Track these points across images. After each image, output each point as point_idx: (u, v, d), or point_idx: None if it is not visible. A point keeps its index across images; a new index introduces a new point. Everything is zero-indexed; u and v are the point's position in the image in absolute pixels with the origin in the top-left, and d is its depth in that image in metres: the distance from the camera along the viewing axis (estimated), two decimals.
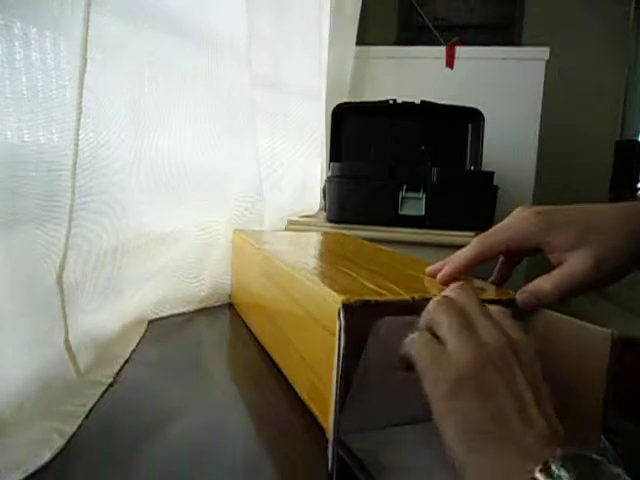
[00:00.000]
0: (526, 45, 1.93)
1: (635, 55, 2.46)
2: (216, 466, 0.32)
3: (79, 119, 0.36)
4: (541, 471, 0.22)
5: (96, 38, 0.38)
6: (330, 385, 0.30)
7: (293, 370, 0.41)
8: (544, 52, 1.29)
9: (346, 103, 1.08)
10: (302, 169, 0.97)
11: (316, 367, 0.35)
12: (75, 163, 0.36)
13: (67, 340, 0.37)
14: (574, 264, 0.34)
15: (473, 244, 0.38)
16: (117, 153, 0.47)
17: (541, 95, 1.30)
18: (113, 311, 0.48)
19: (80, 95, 0.36)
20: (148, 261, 0.54)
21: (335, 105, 1.03)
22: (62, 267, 0.36)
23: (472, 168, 1.01)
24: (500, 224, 0.37)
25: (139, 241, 0.52)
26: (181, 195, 0.58)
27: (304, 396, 0.37)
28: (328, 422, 0.31)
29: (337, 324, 0.29)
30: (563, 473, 0.21)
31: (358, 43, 1.30)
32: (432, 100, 0.99)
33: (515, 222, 0.37)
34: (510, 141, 1.29)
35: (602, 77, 2.04)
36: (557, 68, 1.39)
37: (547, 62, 1.29)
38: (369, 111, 1.06)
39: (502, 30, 2.07)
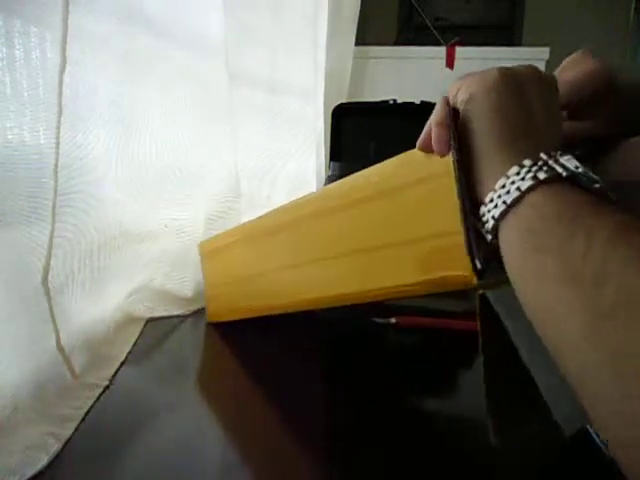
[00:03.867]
0: (526, 45, 1.93)
1: (635, 55, 2.46)
2: (213, 468, 0.32)
3: (59, 118, 0.35)
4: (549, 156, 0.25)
5: (75, 36, 0.37)
6: (458, 224, 0.29)
7: (392, 271, 0.37)
8: (544, 52, 1.29)
9: (346, 103, 1.08)
10: (298, 169, 0.97)
11: (436, 224, 0.32)
12: (57, 162, 0.36)
13: (59, 342, 0.37)
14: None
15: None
16: (96, 152, 0.46)
17: None
18: (103, 311, 0.48)
19: (60, 94, 0.35)
20: (131, 261, 0.54)
21: (335, 105, 1.03)
22: (47, 269, 0.36)
23: None
24: None
25: (121, 240, 0.51)
26: (158, 195, 0.57)
27: (421, 277, 0.34)
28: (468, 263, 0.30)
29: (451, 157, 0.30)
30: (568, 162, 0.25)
31: (358, 43, 1.30)
32: (432, 100, 0.99)
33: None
34: None
35: None
36: (557, 68, 1.39)
37: (547, 62, 1.29)
38: (369, 111, 1.06)
39: (502, 30, 2.06)
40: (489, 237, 0.27)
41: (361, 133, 1.06)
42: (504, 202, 0.25)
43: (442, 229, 0.32)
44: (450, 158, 0.30)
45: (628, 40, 2.11)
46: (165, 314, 0.57)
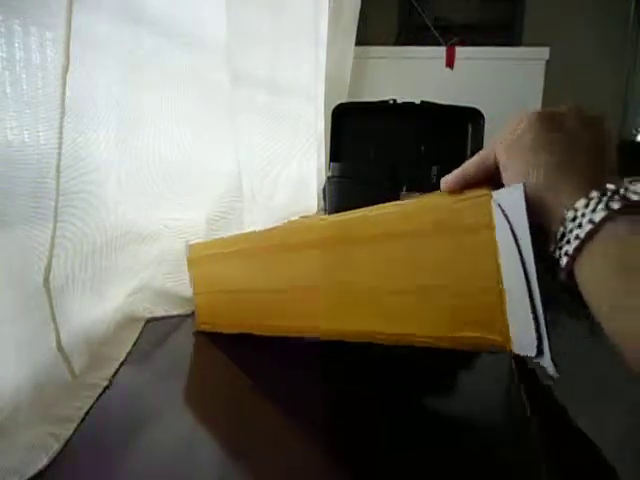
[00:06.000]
0: (526, 45, 1.93)
1: (635, 55, 2.46)
2: (213, 468, 0.32)
3: (62, 118, 0.35)
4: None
5: (77, 36, 0.37)
6: (497, 288, 0.29)
7: (414, 318, 0.35)
8: (544, 52, 1.29)
9: (346, 103, 1.08)
10: (299, 169, 0.97)
11: (470, 281, 0.31)
12: (59, 162, 0.36)
13: (59, 342, 0.37)
14: None
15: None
16: (97, 152, 0.46)
17: (541, 95, 1.29)
18: (103, 312, 0.48)
19: (63, 94, 0.35)
20: (132, 261, 0.54)
21: (335, 105, 1.03)
22: (48, 269, 0.36)
23: None
24: None
25: (122, 240, 0.51)
26: (160, 196, 0.57)
27: (449, 332, 0.33)
28: (506, 329, 0.29)
29: (494, 212, 0.28)
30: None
31: (358, 43, 1.30)
32: (432, 100, 0.99)
33: None
34: None
35: (602, 77, 2.04)
36: (557, 68, 1.39)
37: (547, 62, 1.29)
38: (369, 111, 1.06)
39: (502, 30, 2.06)
40: (562, 275, 0.26)
41: (361, 133, 1.06)
42: (577, 237, 0.25)
43: (479, 287, 0.30)
44: (491, 210, 0.29)
45: (628, 40, 2.11)
46: (165, 314, 0.57)
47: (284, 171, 0.90)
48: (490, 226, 0.29)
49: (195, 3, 0.59)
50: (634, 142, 2.45)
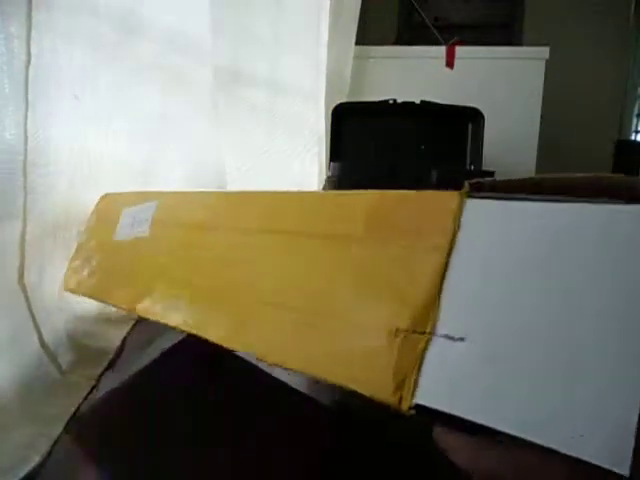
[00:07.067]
0: (526, 44, 1.93)
1: (635, 55, 2.46)
2: (208, 469, 0.32)
3: (26, 114, 0.35)
4: None
5: (45, 30, 0.36)
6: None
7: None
8: (544, 52, 1.29)
9: (346, 103, 1.08)
10: (300, 169, 0.97)
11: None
12: (26, 159, 0.35)
13: (42, 339, 0.36)
14: None
15: None
16: (64, 149, 0.44)
17: (541, 95, 1.29)
18: (89, 309, 0.47)
19: (26, 90, 0.35)
20: None
21: (335, 105, 1.03)
22: (22, 267, 0.35)
23: (472, 168, 1.01)
24: None
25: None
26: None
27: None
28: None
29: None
30: None
31: (358, 43, 1.30)
32: (432, 100, 0.99)
33: None
34: (510, 141, 1.29)
35: (602, 77, 2.03)
36: (557, 68, 1.39)
37: (547, 62, 1.29)
38: (369, 111, 1.06)
39: (502, 30, 2.06)
40: None
41: (361, 133, 1.06)
42: None
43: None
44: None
45: (628, 40, 2.11)
46: None
47: (286, 171, 0.90)
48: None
49: (195, 3, 0.58)
50: (632, 141, 2.44)
